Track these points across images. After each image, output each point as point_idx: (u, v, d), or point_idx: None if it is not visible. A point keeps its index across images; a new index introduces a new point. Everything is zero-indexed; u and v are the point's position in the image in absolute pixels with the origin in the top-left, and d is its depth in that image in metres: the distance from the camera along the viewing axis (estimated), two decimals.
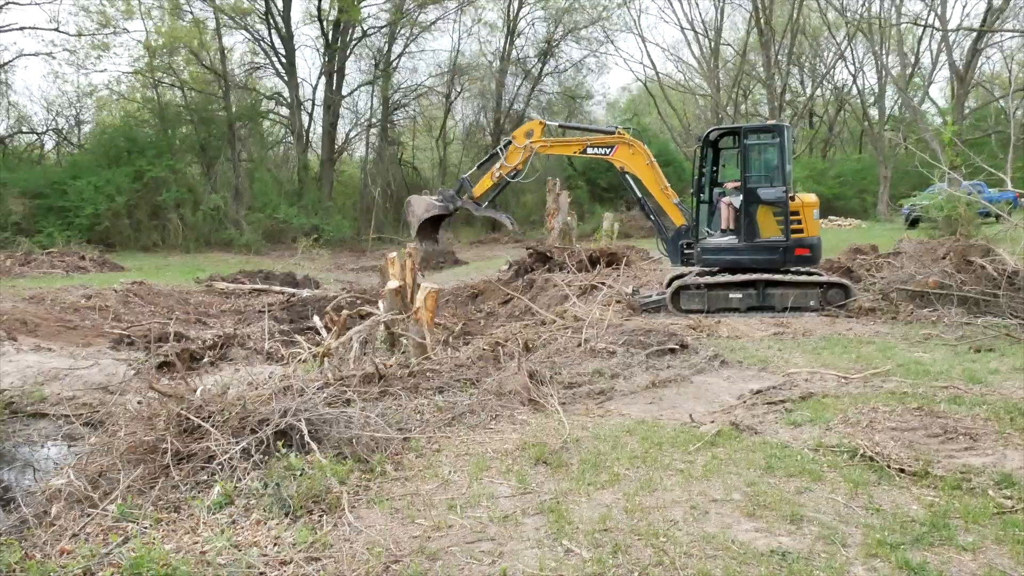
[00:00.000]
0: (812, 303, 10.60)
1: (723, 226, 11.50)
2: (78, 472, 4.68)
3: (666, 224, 11.62)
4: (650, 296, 11.63)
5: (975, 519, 3.86)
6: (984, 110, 37.54)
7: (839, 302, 10.58)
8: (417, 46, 37.94)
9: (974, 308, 9.69)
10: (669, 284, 11.29)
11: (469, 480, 4.59)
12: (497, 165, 12.00)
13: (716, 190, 11.88)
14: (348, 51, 35.18)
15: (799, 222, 10.75)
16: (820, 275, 10.97)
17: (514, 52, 39.50)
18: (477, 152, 41.83)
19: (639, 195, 11.60)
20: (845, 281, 10.97)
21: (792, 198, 10.79)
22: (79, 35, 29.94)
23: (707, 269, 11.23)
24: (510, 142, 12.04)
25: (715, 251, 11.22)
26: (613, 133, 11.72)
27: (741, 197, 11.02)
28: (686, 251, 11.47)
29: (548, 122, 12.55)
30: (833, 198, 33.31)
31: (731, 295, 10.79)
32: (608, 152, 11.61)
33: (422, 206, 12.13)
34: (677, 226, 11.48)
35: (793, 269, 10.93)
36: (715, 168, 11.92)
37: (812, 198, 11.05)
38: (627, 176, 11.57)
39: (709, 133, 11.75)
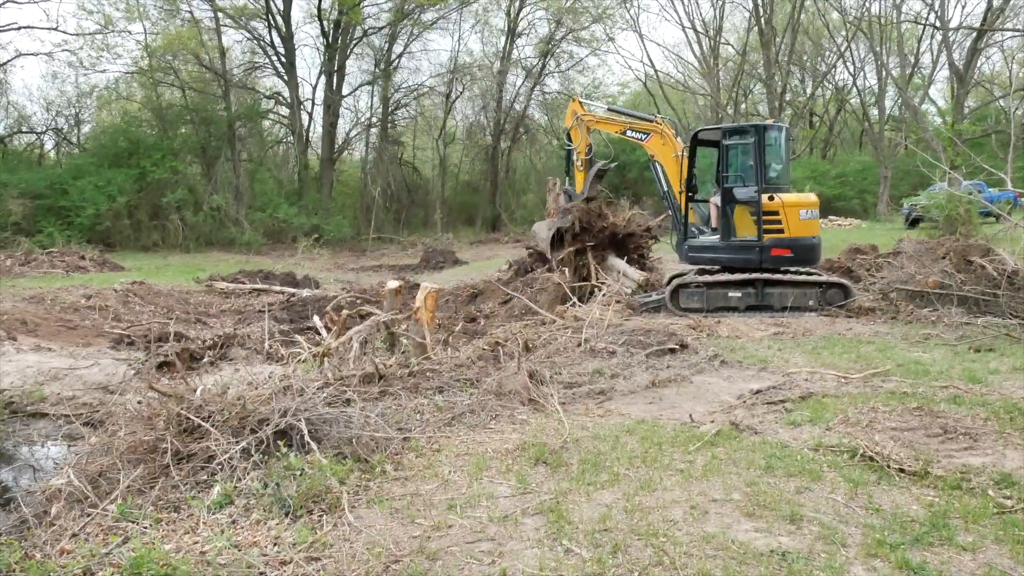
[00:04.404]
0: (811, 303, 10.60)
1: (712, 224, 11.67)
2: (78, 472, 4.68)
3: (680, 220, 11.75)
4: (650, 296, 11.64)
5: (975, 519, 3.86)
6: (984, 110, 37.52)
7: (839, 302, 10.58)
8: (418, 46, 38.07)
9: (974, 308, 9.68)
10: (669, 283, 11.31)
11: (469, 480, 4.59)
12: (575, 157, 12.89)
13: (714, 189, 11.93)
14: (348, 51, 35.18)
15: (778, 222, 10.68)
16: (819, 275, 10.97)
17: (515, 52, 39.55)
18: (477, 152, 41.87)
19: (665, 187, 11.74)
20: (844, 281, 10.97)
21: (771, 198, 10.68)
22: (79, 35, 29.98)
23: (706, 268, 11.27)
24: (568, 131, 13.03)
25: (699, 249, 11.45)
26: (653, 121, 11.87)
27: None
28: None
29: (584, 101, 13.37)
30: (834, 198, 33.36)
31: (730, 294, 10.79)
32: (644, 138, 11.92)
33: (544, 228, 13.17)
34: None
35: (793, 269, 10.93)
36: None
37: (798, 198, 10.99)
38: (656, 165, 11.75)
39: (697, 133, 11.84)
